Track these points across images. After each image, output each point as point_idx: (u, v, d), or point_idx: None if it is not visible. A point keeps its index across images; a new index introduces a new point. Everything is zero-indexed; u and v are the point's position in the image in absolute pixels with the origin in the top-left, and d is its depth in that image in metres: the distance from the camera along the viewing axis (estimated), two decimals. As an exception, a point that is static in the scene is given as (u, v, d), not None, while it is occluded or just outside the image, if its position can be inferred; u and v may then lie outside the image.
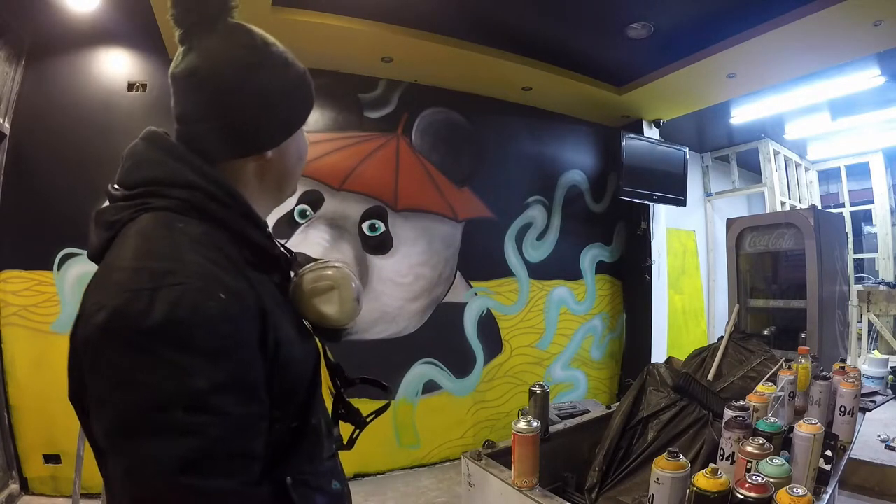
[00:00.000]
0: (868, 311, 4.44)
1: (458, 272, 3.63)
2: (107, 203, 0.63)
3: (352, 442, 0.83)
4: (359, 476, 3.19)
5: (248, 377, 0.56)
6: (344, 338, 0.77)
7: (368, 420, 0.83)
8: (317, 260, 0.77)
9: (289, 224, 3.13)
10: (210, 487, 0.50)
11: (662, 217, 4.44)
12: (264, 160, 0.69)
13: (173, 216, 0.59)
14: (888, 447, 2.91)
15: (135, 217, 0.59)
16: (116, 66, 2.89)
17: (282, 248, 0.74)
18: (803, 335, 3.19)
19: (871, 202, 5.69)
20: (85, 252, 2.66)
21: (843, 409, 1.56)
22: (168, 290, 0.51)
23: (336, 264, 0.74)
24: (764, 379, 1.60)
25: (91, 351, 0.51)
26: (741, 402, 1.29)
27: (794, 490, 0.88)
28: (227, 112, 0.65)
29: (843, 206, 5.89)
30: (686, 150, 4.28)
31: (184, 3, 0.63)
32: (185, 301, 0.51)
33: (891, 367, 4.04)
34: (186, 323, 0.50)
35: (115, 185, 0.64)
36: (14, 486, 2.62)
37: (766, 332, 3.41)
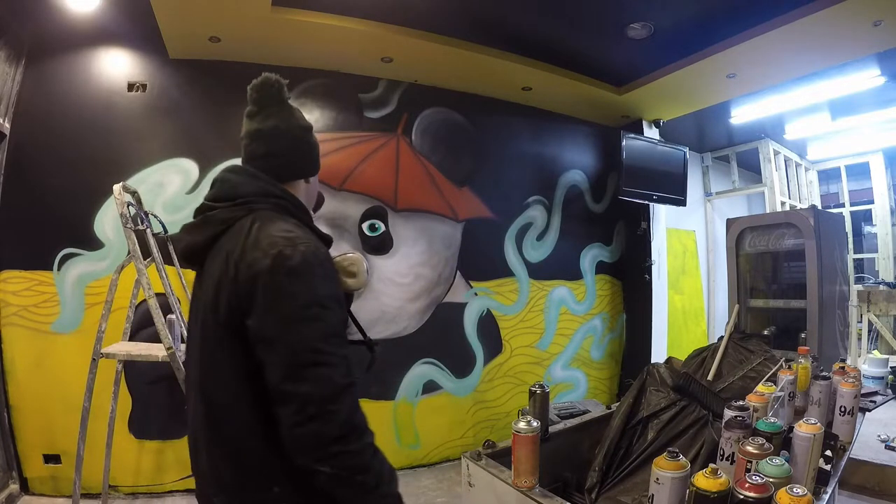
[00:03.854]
0: (868, 311, 4.43)
1: (458, 272, 3.64)
2: (213, 211, 0.96)
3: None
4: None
5: (340, 295, 0.94)
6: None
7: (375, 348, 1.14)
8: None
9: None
10: (336, 353, 0.85)
11: (662, 217, 4.44)
12: (308, 182, 1.11)
13: (272, 213, 0.96)
14: (888, 447, 2.91)
15: (245, 216, 0.94)
16: (116, 66, 2.89)
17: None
18: (803, 335, 3.20)
19: (871, 202, 5.68)
20: (84, 252, 2.64)
21: (843, 409, 1.56)
22: (301, 245, 0.87)
23: (352, 252, 1.15)
24: (764, 379, 1.60)
25: (261, 280, 0.84)
26: (741, 402, 1.29)
27: (794, 490, 0.88)
28: (298, 152, 1.07)
29: (843, 206, 5.88)
30: (686, 150, 4.28)
31: (260, 93, 1.03)
32: (309, 250, 0.88)
33: (891, 367, 4.04)
34: (311, 261, 0.87)
35: (211, 200, 0.98)
36: (14, 486, 2.62)
37: (766, 332, 3.40)
